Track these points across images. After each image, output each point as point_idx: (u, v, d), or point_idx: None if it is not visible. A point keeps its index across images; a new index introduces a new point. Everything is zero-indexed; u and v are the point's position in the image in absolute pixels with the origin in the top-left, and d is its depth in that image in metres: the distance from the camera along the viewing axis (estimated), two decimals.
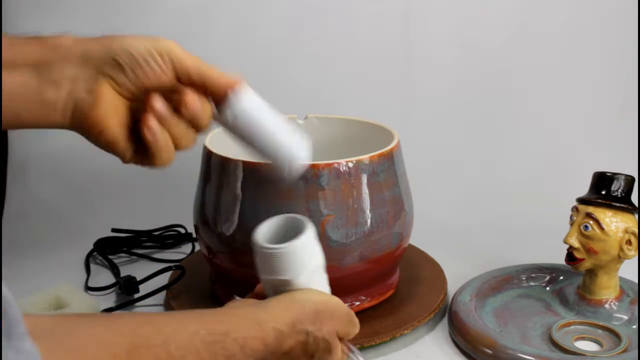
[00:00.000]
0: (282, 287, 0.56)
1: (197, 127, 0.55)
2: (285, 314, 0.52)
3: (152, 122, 0.53)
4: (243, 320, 0.51)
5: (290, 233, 0.57)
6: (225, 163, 0.78)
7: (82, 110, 0.51)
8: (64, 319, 0.43)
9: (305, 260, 0.56)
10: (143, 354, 0.43)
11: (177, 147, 0.55)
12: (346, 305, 0.58)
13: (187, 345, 0.45)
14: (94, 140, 0.54)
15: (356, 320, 0.59)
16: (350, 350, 0.59)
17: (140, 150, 0.55)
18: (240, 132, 0.57)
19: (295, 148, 0.59)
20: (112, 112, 0.52)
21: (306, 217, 0.57)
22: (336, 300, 0.57)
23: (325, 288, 0.60)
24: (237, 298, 0.57)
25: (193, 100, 0.54)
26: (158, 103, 0.53)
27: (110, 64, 0.51)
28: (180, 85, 0.54)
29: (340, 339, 0.57)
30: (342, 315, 0.56)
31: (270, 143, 0.57)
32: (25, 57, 0.50)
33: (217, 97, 0.56)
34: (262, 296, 0.60)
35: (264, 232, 0.57)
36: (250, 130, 0.57)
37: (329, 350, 0.55)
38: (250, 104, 0.57)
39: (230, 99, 0.56)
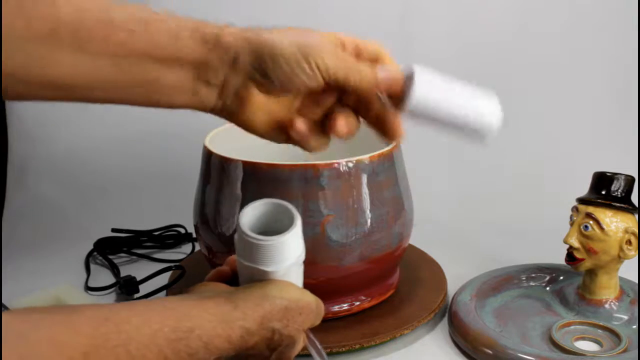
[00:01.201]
0: (258, 276, 0.54)
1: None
2: (255, 311, 0.51)
3: (299, 126, 0.56)
4: (210, 315, 0.49)
5: (276, 221, 0.55)
6: (225, 163, 0.78)
7: (229, 112, 0.55)
8: (20, 318, 0.41)
9: (287, 254, 0.54)
10: (102, 355, 0.42)
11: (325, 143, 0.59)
12: (316, 298, 0.57)
13: (148, 343, 0.44)
14: (245, 129, 0.58)
15: (323, 310, 0.58)
16: (309, 339, 0.58)
17: (288, 139, 0.58)
18: (421, 119, 0.58)
19: (485, 112, 0.59)
20: (259, 113, 0.55)
21: (294, 206, 0.55)
22: (308, 296, 0.56)
23: (300, 280, 0.58)
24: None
25: (341, 122, 0.56)
26: (299, 124, 0.56)
27: (258, 70, 0.52)
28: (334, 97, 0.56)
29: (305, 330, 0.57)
30: (311, 311, 0.55)
31: (458, 121, 0.58)
32: (186, 56, 0.52)
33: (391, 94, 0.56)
34: (229, 276, 0.59)
35: (249, 216, 0.55)
36: (433, 116, 0.58)
37: (292, 345, 0.54)
38: (425, 89, 0.56)
39: (402, 98, 0.56)
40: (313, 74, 0.52)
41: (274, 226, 0.55)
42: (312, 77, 0.52)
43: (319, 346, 0.58)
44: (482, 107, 0.57)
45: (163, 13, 0.53)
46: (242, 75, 0.53)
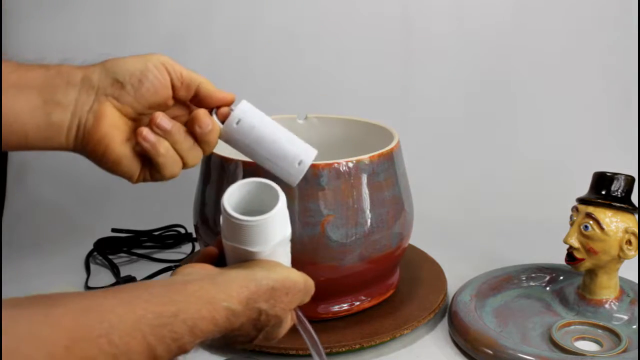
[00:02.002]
0: (244, 256, 0.54)
1: (205, 143, 0.58)
2: (240, 292, 0.50)
3: (145, 130, 0.56)
4: (194, 298, 0.48)
5: (261, 200, 0.55)
6: (225, 163, 0.78)
7: (85, 129, 0.55)
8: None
9: (272, 233, 0.54)
10: (83, 347, 0.41)
11: (185, 163, 0.58)
12: (304, 276, 0.56)
13: (131, 331, 0.44)
14: (99, 160, 0.56)
15: (312, 287, 0.57)
16: (299, 318, 0.57)
17: (149, 167, 0.58)
18: (244, 141, 0.58)
19: (302, 147, 0.60)
20: (114, 130, 0.55)
21: (278, 186, 0.55)
22: (295, 275, 0.55)
23: (287, 259, 0.58)
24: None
25: (204, 117, 0.57)
26: (158, 116, 0.56)
27: (110, 83, 0.55)
28: (184, 104, 0.58)
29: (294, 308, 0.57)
30: (298, 290, 0.55)
31: (276, 146, 0.58)
32: (31, 81, 0.53)
33: (217, 110, 0.59)
34: (216, 256, 0.58)
35: (233, 197, 0.54)
36: (254, 137, 0.58)
37: (279, 325, 0.54)
38: (251, 111, 0.59)
39: (233, 111, 0.58)
40: (163, 78, 0.55)
41: (259, 206, 0.54)
42: (163, 82, 0.55)
43: (308, 326, 0.58)
44: (300, 148, 0.60)
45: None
46: (94, 91, 0.54)
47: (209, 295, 0.49)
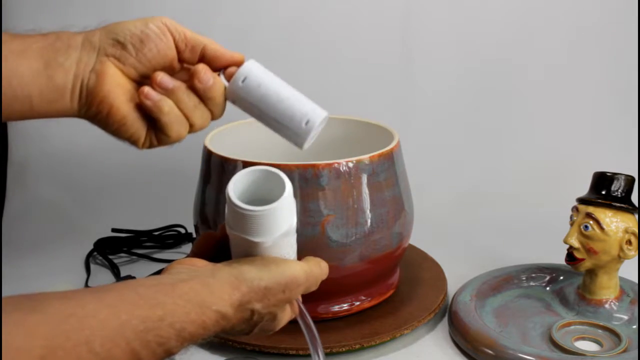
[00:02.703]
0: (247, 246, 0.52)
1: (209, 100, 0.56)
2: (232, 295, 0.49)
3: (147, 88, 0.54)
4: (183, 301, 0.46)
5: (267, 189, 0.53)
6: (225, 163, 0.78)
7: (88, 89, 0.53)
8: None
9: (277, 224, 0.52)
10: (59, 356, 0.39)
11: (191, 124, 0.56)
12: (308, 264, 0.54)
13: (114, 337, 0.42)
14: (104, 121, 0.55)
15: (319, 277, 0.56)
16: (301, 313, 0.56)
17: (155, 130, 0.56)
18: (250, 100, 0.57)
19: (310, 107, 0.58)
20: (118, 89, 0.54)
21: (284, 175, 0.53)
22: (293, 269, 0.53)
23: (292, 250, 0.56)
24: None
25: (204, 71, 0.55)
26: (159, 75, 0.54)
27: (111, 44, 0.54)
28: (189, 64, 0.57)
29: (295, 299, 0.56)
30: (297, 285, 0.53)
31: (283, 105, 0.56)
32: (31, 47, 0.52)
33: (225, 71, 0.57)
34: (218, 240, 0.57)
35: (238, 185, 0.52)
36: (260, 95, 0.56)
37: (273, 319, 0.53)
38: (257, 70, 0.57)
39: (239, 69, 0.56)
40: (166, 38, 0.55)
41: (265, 195, 0.52)
42: (165, 42, 0.55)
43: (309, 320, 0.56)
44: (309, 107, 0.58)
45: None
46: (95, 52, 0.54)
47: (198, 297, 0.47)
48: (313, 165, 0.74)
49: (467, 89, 1.28)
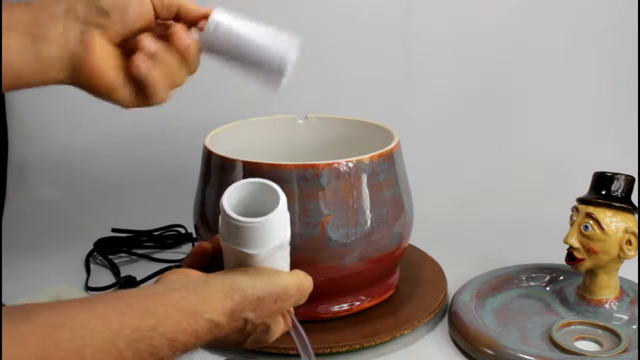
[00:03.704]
0: (241, 258, 0.52)
1: (187, 60, 0.59)
2: (224, 304, 0.49)
3: (138, 59, 0.56)
4: (174, 310, 0.46)
5: (261, 201, 0.53)
6: (225, 163, 0.78)
7: (78, 60, 0.55)
8: None
9: (271, 236, 0.52)
10: None
11: (171, 84, 0.59)
12: (298, 277, 0.54)
13: (106, 347, 0.42)
14: (93, 89, 0.56)
15: (308, 288, 0.56)
16: (294, 326, 0.56)
17: (139, 93, 0.58)
18: (223, 48, 0.59)
19: (283, 43, 0.60)
20: (105, 58, 0.56)
21: (279, 187, 0.53)
22: (285, 280, 0.53)
23: (286, 263, 0.56)
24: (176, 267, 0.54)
25: (180, 31, 0.58)
26: (146, 40, 0.57)
27: (94, 12, 0.55)
28: (166, 24, 0.59)
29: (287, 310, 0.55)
30: (289, 297, 0.53)
31: (255, 45, 0.59)
32: (16, 21, 0.53)
33: (197, 25, 0.60)
34: (210, 253, 0.57)
35: (233, 197, 0.53)
36: (233, 41, 0.59)
37: (267, 330, 0.53)
38: (227, 15, 0.59)
39: (209, 18, 0.59)
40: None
41: (259, 207, 0.52)
42: (145, 4, 0.56)
43: (303, 333, 0.56)
44: (281, 42, 0.61)
45: None
46: (79, 21, 0.55)
47: (190, 306, 0.47)
48: (313, 165, 0.74)
49: (467, 89, 1.28)
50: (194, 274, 0.53)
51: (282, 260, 0.55)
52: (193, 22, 0.60)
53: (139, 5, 0.56)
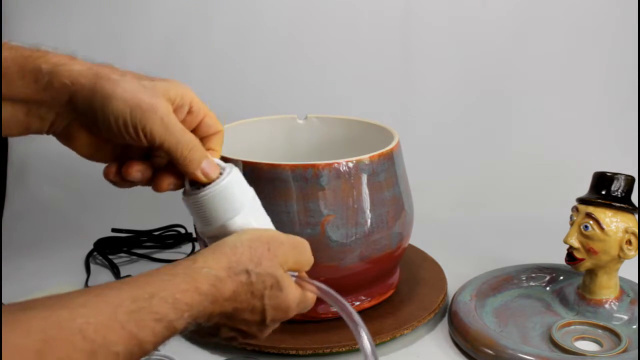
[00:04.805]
0: (221, 236, 0.53)
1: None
2: (218, 259, 0.49)
3: (133, 170, 0.56)
4: (169, 276, 0.46)
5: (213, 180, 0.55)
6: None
7: (59, 137, 0.55)
8: None
9: (235, 201, 0.54)
10: (57, 347, 0.39)
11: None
12: (287, 235, 0.54)
13: (107, 322, 0.41)
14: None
15: (304, 246, 0.55)
16: (319, 289, 0.54)
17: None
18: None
19: None
20: (88, 146, 0.55)
21: (230, 163, 0.56)
22: (271, 231, 0.54)
23: (266, 223, 0.57)
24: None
25: (163, 181, 0.57)
26: (134, 172, 0.56)
27: (89, 119, 0.52)
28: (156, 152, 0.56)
29: (298, 275, 0.54)
30: (280, 244, 0.53)
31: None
32: (18, 93, 0.52)
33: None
34: None
35: (189, 186, 0.55)
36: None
37: (279, 287, 0.51)
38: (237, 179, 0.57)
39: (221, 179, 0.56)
40: (138, 138, 0.52)
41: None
42: (137, 141, 0.52)
43: (323, 286, 0.54)
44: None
45: None
46: (72, 115, 0.53)
47: (183, 267, 0.48)
48: (313, 165, 0.74)
49: (467, 89, 1.28)
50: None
51: (262, 221, 0.56)
52: (202, 137, 0.57)
53: (129, 139, 0.52)
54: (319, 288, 0.55)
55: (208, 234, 0.55)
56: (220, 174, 0.55)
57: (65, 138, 0.55)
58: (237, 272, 0.49)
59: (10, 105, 0.52)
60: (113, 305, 0.43)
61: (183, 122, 0.54)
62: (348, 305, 0.54)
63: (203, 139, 0.57)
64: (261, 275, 0.50)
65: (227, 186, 0.54)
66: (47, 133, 0.55)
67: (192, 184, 0.55)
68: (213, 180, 0.54)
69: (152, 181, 0.58)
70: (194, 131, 0.56)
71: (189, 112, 0.55)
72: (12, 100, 0.52)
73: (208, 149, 0.56)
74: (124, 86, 0.51)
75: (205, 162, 0.54)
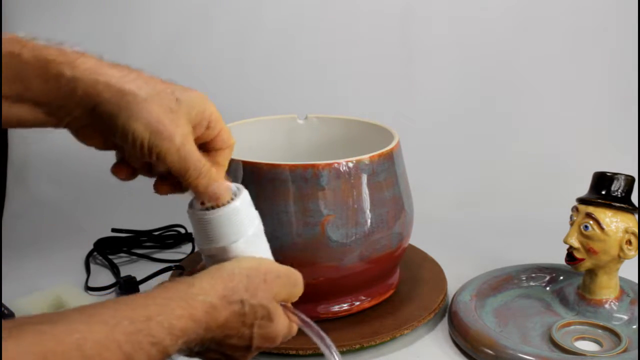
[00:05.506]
0: (220, 257, 0.54)
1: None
2: (214, 285, 0.49)
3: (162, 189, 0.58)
4: (165, 300, 0.46)
5: (222, 200, 0.54)
6: None
7: (75, 135, 0.55)
8: None
9: (240, 226, 0.54)
10: None
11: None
12: (284, 266, 0.55)
13: (104, 341, 0.41)
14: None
15: (298, 278, 0.55)
16: (302, 321, 0.55)
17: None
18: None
19: None
20: (102, 144, 0.56)
21: (240, 185, 0.55)
22: (269, 262, 0.54)
23: (266, 252, 0.57)
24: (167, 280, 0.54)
25: (166, 191, 0.59)
26: (159, 187, 0.58)
27: (107, 128, 0.52)
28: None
29: (285, 305, 0.55)
30: (276, 277, 0.53)
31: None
32: (40, 96, 0.51)
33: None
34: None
35: (196, 201, 0.55)
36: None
37: (270, 318, 0.52)
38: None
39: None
40: (150, 158, 0.52)
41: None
42: (149, 159, 0.53)
43: (312, 323, 0.55)
44: None
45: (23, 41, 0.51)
46: (91, 120, 0.52)
47: (180, 292, 0.48)
48: (313, 165, 0.74)
49: (467, 89, 1.28)
50: (183, 278, 0.53)
51: (262, 250, 0.56)
52: (210, 149, 0.57)
53: (142, 158, 0.53)
54: (303, 320, 0.55)
55: (207, 252, 0.55)
56: (232, 198, 0.54)
57: (80, 135, 0.55)
58: (232, 302, 0.50)
59: (31, 106, 0.52)
60: (110, 324, 0.43)
61: (199, 137, 0.55)
62: (328, 339, 0.55)
63: (213, 152, 0.57)
64: (254, 307, 0.51)
65: (234, 210, 0.53)
66: (63, 127, 0.55)
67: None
68: (221, 204, 0.54)
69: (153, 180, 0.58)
70: (206, 144, 0.56)
71: (207, 127, 0.55)
72: (34, 102, 0.51)
73: (215, 163, 0.56)
74: (148, 109, 0.51)
75: (214, 185, 0.54)
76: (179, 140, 0.52)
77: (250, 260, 0.53)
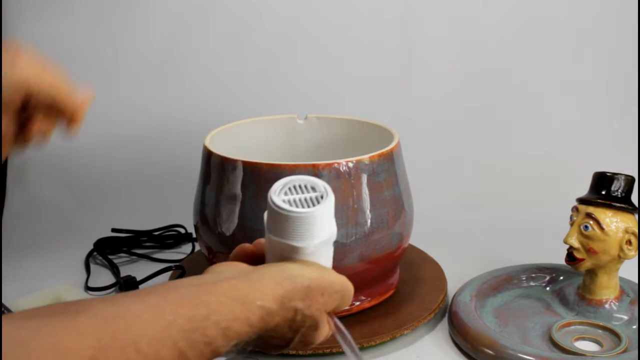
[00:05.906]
0: (287, 252, 0.52)
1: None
2: (275, 290, 0.48)
3: None
4: (226, 298, 0.46)
5: (306, 197, 0.53)
6: (225, 163, 0.78)
7: None
8: (19, 323, 0.38)
9: (318, 229, 0.52)
10: (109, 357, 0.39)
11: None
12: (342, 277, 0.54)
13: (162, 337, 0.41)
14: None
15: (350, 294, 0.55)
16: (337, 328, 0.55)
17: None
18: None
19: None
20: None
21: (326, 184, 0.53)
22: (331, 275, 0.53)
23: (329, 261, 0.56)
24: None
25: (39, 129, 0.62)
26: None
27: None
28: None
29: (329, 313, 0.54)
30: (334, 292, 0.53)
31: None
32: None
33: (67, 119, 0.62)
34: (252, 255, 0.56)
35: (280, 189, 0.53)
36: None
37: (315, 327, 0.52)
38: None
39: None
40: (13, 94, 0.56)
41: (305, 203, 0.53)
42: (13, 97, 0.56)
43: (346, 332, 0.55)
44: None
45: None
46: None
47: (241, 294, 0.47)
48: (313, 165, 0.74)
49: (467, 89, 1.28)
50: (242, 265, 0.53)
51: (326, 257, 0.55)
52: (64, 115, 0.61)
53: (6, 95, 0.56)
54: (339, 329, 0.55)
55: (274, 241, 0.53)
56: (321, 196, 0.52)
57: None
58: (287, 307, 0.49)
59: None
60: (168, 321, 0.42)
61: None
62: (359, 351, 0.55)
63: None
64: (305, 317, 0.51)
65: (313, 215, 0.52)
66: None
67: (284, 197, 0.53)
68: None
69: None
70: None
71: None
72: None
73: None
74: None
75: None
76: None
77: (315, 269, 0.52)
